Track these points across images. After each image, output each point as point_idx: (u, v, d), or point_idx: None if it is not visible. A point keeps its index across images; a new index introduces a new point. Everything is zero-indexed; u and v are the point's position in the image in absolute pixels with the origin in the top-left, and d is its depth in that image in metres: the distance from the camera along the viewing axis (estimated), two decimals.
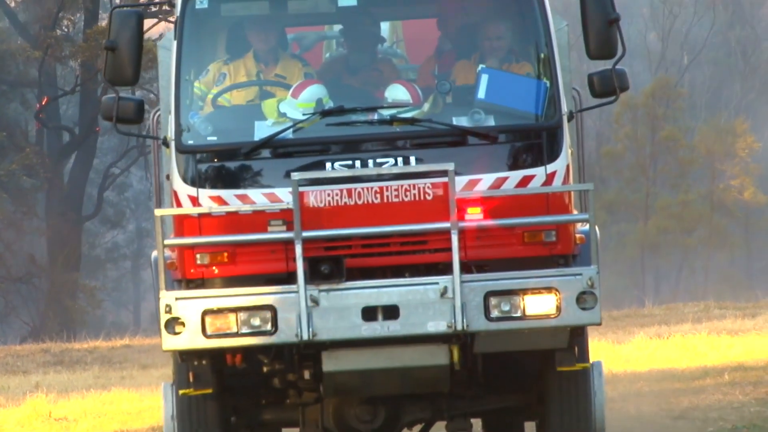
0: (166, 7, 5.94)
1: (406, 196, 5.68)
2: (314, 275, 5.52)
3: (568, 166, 5.91)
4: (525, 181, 5.75)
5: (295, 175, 5.47)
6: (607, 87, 5.88)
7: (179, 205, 5.81)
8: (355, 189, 5.67)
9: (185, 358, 5.83)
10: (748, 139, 52.29)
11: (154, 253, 6.20)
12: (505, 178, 5.76)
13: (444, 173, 5.54)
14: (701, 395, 13.01)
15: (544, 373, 6.20)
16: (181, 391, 5.98)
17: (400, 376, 5.82)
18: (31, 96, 45.10)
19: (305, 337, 5.43)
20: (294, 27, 6.83)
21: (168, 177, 6.21)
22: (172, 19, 6.37)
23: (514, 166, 5.82)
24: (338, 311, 5.50)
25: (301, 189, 5.49)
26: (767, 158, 53.99)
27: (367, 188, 5.67)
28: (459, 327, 5.44)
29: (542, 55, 6.01)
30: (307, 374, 5.94)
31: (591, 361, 6.35)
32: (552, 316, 5.51)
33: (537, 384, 6.41)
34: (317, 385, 5.97)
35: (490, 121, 5.92)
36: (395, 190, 5.68)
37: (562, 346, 5.81)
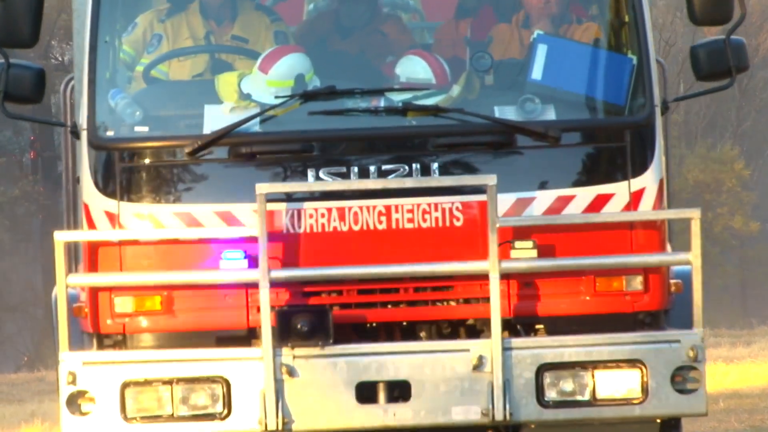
0: None
1: (424, 221, 5.00)
2: (287, 334, 4.82)
3: (661, 182, 5.21)
4: (598, 203, 5.08)
5: (262, 188, 4.80)
6: (719, 65, 5.20)
7: (92, 225, 5.11)
8: (350, 208, 4.98)
9: None
10: (736, 166, 56.11)
11: (55, 292, 5.52)
12: (570, 198, 5.07)
13: (481, 190, 4.87)
14: (696, 423, 13.01)
15: None
16: None
17: None
18: (24, 125, 48.39)
19: (272, 425, 4.77)
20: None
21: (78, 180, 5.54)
22: None
23: (583, 180, 5.15)
24: (322, 388, 4.84)
25: (270, 207, 4.85)
26: (760, 187, 58.57)
27: (369, 207, 4.99)
28: (499, 416, 4.77)
29: (626, 17, 5.24)
30: None
31: None
32: (636, 402, 4.87)
33: None
34: None
35: (549, 114, 5.22)
36: (409, 211, 4.99)
37: None
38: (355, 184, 4.95)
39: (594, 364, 4.83)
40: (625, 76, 5.16)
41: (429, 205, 4.96)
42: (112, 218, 5.02)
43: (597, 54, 5.30)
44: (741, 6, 5.13)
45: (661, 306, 5.18)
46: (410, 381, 4.78)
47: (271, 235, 4.80)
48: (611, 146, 5.16)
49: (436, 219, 4.98)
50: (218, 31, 5.54)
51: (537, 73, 5.14)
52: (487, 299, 4.85)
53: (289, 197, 4.92)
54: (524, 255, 4.93)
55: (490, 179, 4.74)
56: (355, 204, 4.95)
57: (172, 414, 4.80)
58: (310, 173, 4.97)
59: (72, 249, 5.82)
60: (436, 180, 4.98)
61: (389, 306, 5.09)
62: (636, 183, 5.06)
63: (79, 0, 6.11)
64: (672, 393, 4.80)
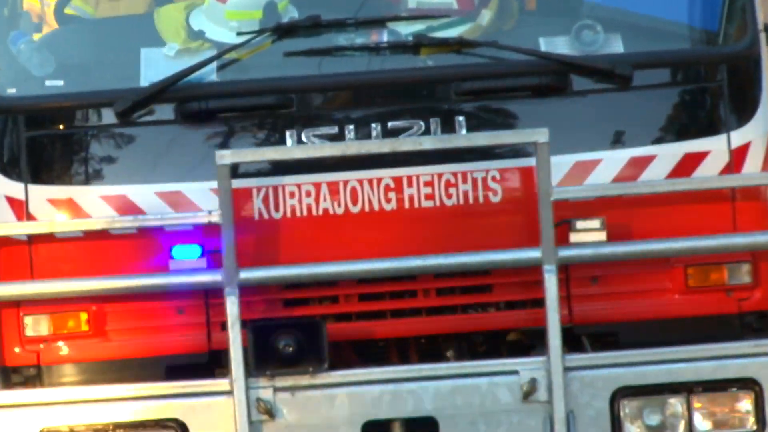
0: None
1: (449, 196, 4.47)
2: (265, 358, 4.26)
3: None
4: (687, 165, 4.54)
5: (224, 156, 4.23)
6: None
7: None
8: (346, 182, 4.47)
9: None
10: None
11: None
12: (648, 160, 4.52)
13: (528, 151, 4.39)
14: None
15: None
16: None
17: None
18: None
19: None
20: None
21: None
22: None
23: (665, 135, 4.61)
24: (315, 431, 4.32)
25: (236, 184, 4.34)
26: None
27: (371, 180, 4.48)
28: None
29: None
30: None
31: None
32: None
33: None
34: None
35: (616, 46, 4.69)
36: (426, 184, 4.48)
37: None
38: (353, 147, 4.40)
39: (690, 387, 4.32)
40: None
41: (455, 174, 4.51)
42: (18, 206, 4.50)
43: None
44: None
45: None
46: (437, 417, 4.29)
47: (238, 222, 4.25)
48: (702, 87, 4.73)
49: (465, 193, 4.51)
50: None
51: None
52: (538, 302, 4.36)
53: (261, 170, 4.40)
54: (589, 238, 4.33)
55: (541, 135, 4.15)
56: (352, 177, 4.51)
57: None
58: (290, 136, 4.41)
59: None
60: (465, 138, 4.43)
61: (404, 316, 4.56)
62: (737, 137, 4.59)
63: None
64: None
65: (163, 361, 4.53)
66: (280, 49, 4.62)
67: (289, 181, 4.48)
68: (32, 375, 4.57)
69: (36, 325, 4.51)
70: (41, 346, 4.55)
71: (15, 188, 4.50)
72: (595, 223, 4.40)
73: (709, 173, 4.58)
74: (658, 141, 4.62)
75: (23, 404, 4.32)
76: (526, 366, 4.30)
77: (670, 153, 4.57)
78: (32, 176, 4.53)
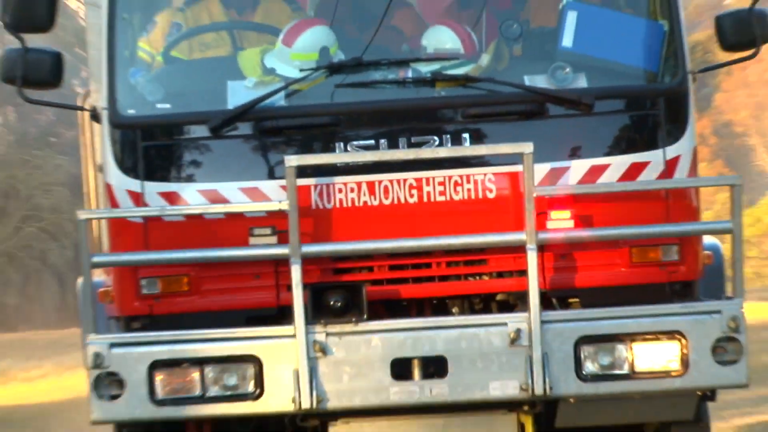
0: None
1: (457, 193, 4.64)
2: (320, 311, 4.46)
3: (694, 149, 4.86)
4: (634, 172, 4.70)
5: (292, 161, 4.41)
6: (744, 35, 4.86)
7: (115, 204, 4.73)
8: (381, 182, 4.63)
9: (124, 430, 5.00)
10: None
11: (81, 278, 5.41)
12: (605, 167, 4.69)
13: (516, 160, 4.52)
14: None
15: None
16: None
17: None
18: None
19: (306, 404, 4.37)
20: None
21: (101, 169, 5.20)
22: None
23: (617, 148, 4.77)
24: (356, 366, 4.46)
25: (300, 182, 4.48)
26: None
27: (399, 181, 4.63)
28: (539, 390, 4.38)
29: None
30: None
31: None
32: (676, 375, 4.48)
33: None
34: None
35: (581, 82, 4.85)
36: (440, 183, 4.64)
37: (687, 417, 4.91)
38: (387, 155, 4.61)
39: (632, 337, 4.46)
40: (656, 43, 4.85)
41: (461, 176, 4.63)
42: (136, 198, 4.68)
43: (628, 20, 4.93)
44: None
45: (696, 276, 4.86)
46: (446, 356, 4.42)
47: (300, 210, 4.41)
48: (645, 113, 4.84)
49: (469, 191, 4.64)
50: (239, 19, 5.23)
51: (568, 40, 4.78)
52: (522, 272, 4.49)
53: (318, 171, 4.57)
54: (561, 225, 4.56)
55: (527, 147, 4.36)
56: (385, 177, 4.62)
57: (203, 395, 4.44)
58: (338, 147, 4.62)
59: (99, 239, 5.49)
60: (470, 149, 4.67)
61: (423, 282, 4.75)
62: (671, 151, 4.72)
63: (93, 13, 5.76)
64: (713, 365, 4.44)
65: (243, 313, 4.64)
66: (331, 82, 4.74)
67: (338, 180, 4.59)
68: (146, 323, 4.71)
69: (149, 286, 4.63)
70: (153, 302, 4.69)
71: (133, 184, 4.63)
72: (566, 214, 4.57)
73: (649, 178, 4.69)
74: (612, 153, 4.72)
75: (140, 342, 4.49)
76: (513, 320, 4.42)
77: (621, 162, 4.68)
78: (146, 175, 4.64)
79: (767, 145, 51.77)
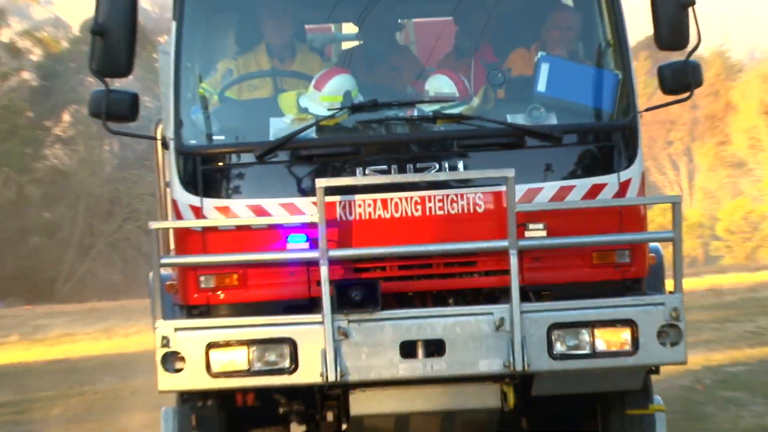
0: None
1: (453, 208, 4.76)
2: (343, 302, 4.56)
3: (642, 174, 4.97)
4: (594, 191, 4.83)
5: (321, 182, 4.53)
6: (681, 82, 4.97)
7: (180, 217, 4.87)
8: (392, 199, 4.73)
9: (187, 399, 5.04)
10: None
11: (152, 274, 5.50)
12: (571, 188, 4.82)
13: (500, 181, 4.60)
14: None
15: (608, 416, 5.32)
16: None
17: (442, 421, 4.98)
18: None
19: (332, 378, 4.49)
20: (313, 18, 5.85)
21: (168, 185, 5.44)
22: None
23: (580, 173, 4.89)
24: (372, 347, 4.56)
25: (327, 199, 4.57)
26: None
27: (406, 198, 4.74)
28: (519, 367, 4.49)
29: (613, 41, 5.02)
30: (330, 416, 5.09)
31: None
32: (628, 354, 4.58)
33: (588, 423, 5.57)
34: (341, 427, 5.16)
35: (552, 119, 4.97)
36: (440, 200, 4.75)
37: (636, 387, 4.98)
38: (398, 178, 4.73)
39: (593, 324, 4.58)
40: (613, 89, 4.96)
41: (456, 195, 4.73)
42: (197, 211, 4.81)
43: (590, 71, 5.10)
44: (697, 35, 4.94)
45: (643, 274, 4.98)
46: (444, 339, 4.53)
47: (327, 221, 4.58)
48: (603, 145, 4.96)
49: (463, 206, 4.75)
50: (280, 67, 5.33)
51: (542, 86, 4.93)
52: (505, 271, 4.59)
53: (341, 190, 4.68)
54: (536, 234, 4.72)
55: (509, 172, 4.51)
56: (395, 195, 4.72)
57: (248, 369, 4.55)
58: (358, 171, 4.77)
59: (165, 241, 5.64)
60: (464, 174, 4.78)
61: (425, 279, 4.84)
62: (624, 175, 4.85)
63: (164, 59, 5.91)
64: (658, 347, 4.56)
65: (281, 303, 4.76)
66: (353, 119, 4.89)
67: (358, 197, 4.68)
68: (204, 311, 4.83)
69: (206, 281, 4.76)
70: (209, 293, 4.80)
71: (194, 200, 4.76)
72: (540, 225, 4.68)
73: (606, 197, 4.81)
74: (576, 177, 4.84)
75: (198, 327, 4.63)
76: (497, 310, 4.53)
77: (584, 184, 4.80)
78: (204, 192, 4.76)
79: (659, 167, 51.72)
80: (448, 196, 4.71)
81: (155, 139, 5.84)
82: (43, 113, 41.75)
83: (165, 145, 5.14)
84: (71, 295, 36.69)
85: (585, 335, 4.56)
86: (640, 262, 4.88)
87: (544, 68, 4.91)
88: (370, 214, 4.73)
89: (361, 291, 4.60)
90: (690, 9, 4.82)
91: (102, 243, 42.42)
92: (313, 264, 4.62)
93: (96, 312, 26.68)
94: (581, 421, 5.63)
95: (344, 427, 5.12)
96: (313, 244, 4.61)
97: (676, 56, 5.03)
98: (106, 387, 12.43)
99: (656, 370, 4.99)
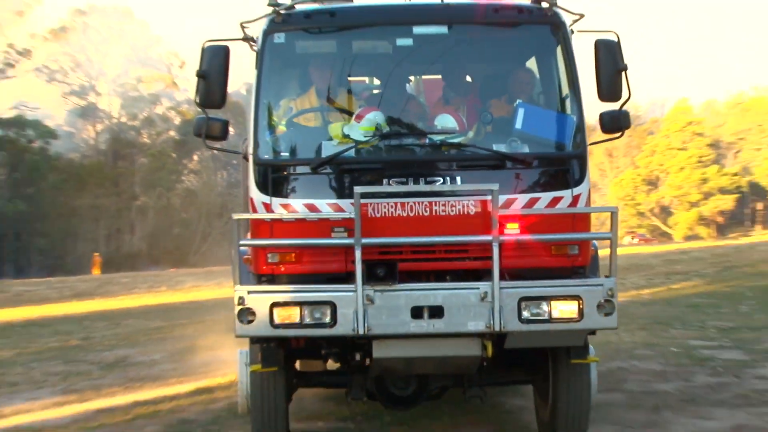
0: (251, 43, 5.36)
1: (452, 210, 4.89)
2: (370, 277, 4.72)
3: (589, 190, 5.11)
4: (554, 202, 4.97)
5: (358, 189, 4.67)
6: (615, 125, 5.25)
7: (254, 211, 5.00)
8: (408, 203, 4.86)
9: (255, 341, 5.14)
10: None
11: (233, 251, 5.67)
12: (538, 199, 4.97)
13: (487, 192, 4.78)
14: None
15: (557, 363, 5.51)
16: (251, 368, 5.28)
17: (438, 362, 5.10)
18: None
19: (361, 331, 4.66)
20: (356, 71, 5.83)
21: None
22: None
23: (545, 188, 5.02)
24: (390, 309, 4.69)
25: (362, 201, 4.72)
26: None
27: (419, 203, 4.87)
28: (497, 327, 4.66)
29: (570, 94, 5.23)
30: (358, 356, 5.26)
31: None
32: (575, 320, 4.72)
33: (543, 366, 5.64)
34: (366, 363, 5.26)
35: (526, 149, 5.11)
36: (443, 205, 4.88)
37: (579, 344, 5.11)
38: (413, 188, 4.91)
39: (551, 298, 4.72)
40: (569, 128, 5.16)
41: (455, 201, 4.89)
42: (267, 206, 5.01)
43: (553, 114, 5.27)
44: (628, 91, 5.16)
45: (587, 263, 5.15)
46: (443, 306, 4.67)
47: (362, 218, 4.78)
48: (561, 168, 5.12)
49: (460, 209, 4.89)
50: (328, 105, 5.49)
51: (519, 124, 5.14)
52: (489, 257, 4.72)
53: (372, 195, 4.87)
54: (512, 232, 4.94)
55: (494, 186, 4.74)
56: (410, 200, 4.89)
57: (300, 323, 4.74)
58: (385, 181, 4.96)
59: (246, 228, 5.72)
60: (461, 186, 4.96)
61: (430, 261, 4.99)
62: (576, 190, 5.03)
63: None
64: (597, 316, 4.74)
65: (325, 275, 4.92)
66: (382, 144, 5.08)
67: (383, 201, 4.83)
68: (269, 278, 5.00)
69: (272, 257, 4.95)
70: (273, 266, 4.98)
71: (265, 198, 4.95)
72: (515, 225, 4.88)
73: (563, 206, 4.99)
74: (542, 191, 4.99)
75: (265, 291, 4.83)
76: (482, 286, 4.70)
77: (547, 196, 4.96)
78: (273, 193, 4.95)
79: None
80: (448, 202, 4.84)
81: (240, 153, 5.96)
82: (181, 155, 54.49)
83: (246, 158, 5.27)
84: (198, 262, 44.56)
85: (545, 306, 4.70)
86: (584, 254, 5.03)
87: (521, 112, 5.09)
88: (391, 213, 4.85)
89: (383, 269, 4.78)
90: (623, 73, 5.11)
91: (216, 232, 52.14)
92: (350, 248, 4.74)
93: (212, 273, 29.53)
94: (537, 367, 5.70)
95: (367, 363, 5.24)
96: (351, 234, 4.76)
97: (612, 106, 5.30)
98: (219, 317, 13.39)
99: (593, 332, 5.09)
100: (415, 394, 5.65)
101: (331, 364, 6.05)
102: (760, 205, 69.18)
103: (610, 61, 4.99)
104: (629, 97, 5.17)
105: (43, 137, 42.12)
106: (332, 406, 7.05)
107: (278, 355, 5.19)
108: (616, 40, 5.00)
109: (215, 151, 7.46)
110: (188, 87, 48.15)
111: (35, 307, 19.06)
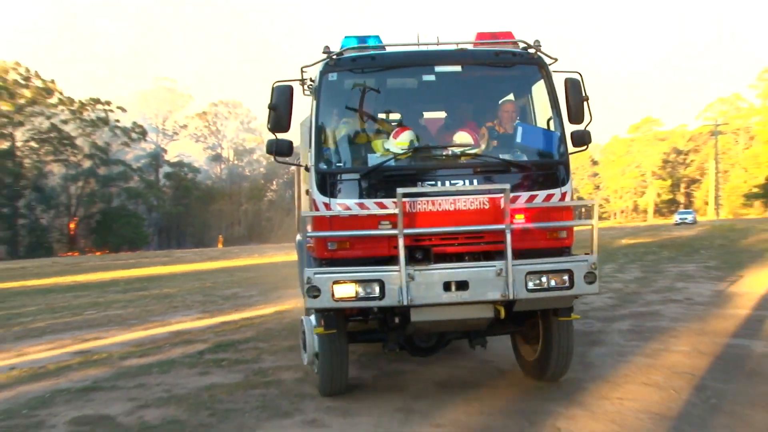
0: (309, 82, 5.26)
1: (471, 205, 4.71)
2: (411, 259, 4.58)
3: (573, 188, 5.00)
4: (548, 198, 4.81)
5: (400, 191, 4.48)
6: (582, 141, 5.10)
7: (317, 208, 4.75)
8: (437, 200, 4.68)
9: (319, 311, 4.92)
10: None
11: (298, 237, 5.62)
12: (536, 195, 4.80)
13: (501, 191, 4.64)
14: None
15: (546, 320, 5.33)
16: (315, 330, 5.11)
17: (459, 323, 4.91)
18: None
19: (405, 302, 4.46)
20: (391, 100, 5.54)
21: (307, 192, 5.22)
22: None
23: (541, 187, 4.84)
24: (427, 285, 4.50)
25: (403, 200, 4.53)
26: None
27: (445, 200, 4.69)
28: (511, 296, 4.50)
29: (554, 115, 5.11)
30: (397, 320, 4.99)
31: None
32: (567, 288, 4.59)
33: (530, 320, 5.55)
34: (401, 324, 5.02)
35: (525, 157, 4.97)
36: (464, 201, 4.70)
37: (568, 305, 5.03)
38: (441, 188, 4.71)
39: (550, 272, 4.56)
40: (556, 141, 5.02)
41: (474, 198, 4.73)
42: (327, 206, 4.76)
43: (544, 131, 5.12)
44: (590, 116, 5.08)
45: (572, 244, 5.00)
46: (468, 280, 4.49)
47: (404, 213, 4.61)
48: (552, 172, 4.95)
49: (478, 205, 4.71)
50: (369, 127, 5.28)
51: (519, 139, 5.00)
52: (500, 241, 4.61)
53: (410, 195, 4.66)
54: (519, 221, 4.78)
55: (507, 186, 4.59)
56: (439, 198, 4.71)
57: (356, 296, 4.53)
58: (419, 183, 4.76)
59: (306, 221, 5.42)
60: (478, 187, 4.76)
61: (454, 245, 4.78)
62: (563, 189, 4.89)
63: (302, 129, 6.09)
64: (584, 284, 4.61)
65: (375, 258, 4.70)
66: (416, 155, 4.87)
67: (420, 199, 4.66)
68: (330, 262, 4.75)
69: (332, 245, 4.72)
70: (333, 252, 4.76)
71: (326, 199, 4.73)
72: (521, 216, 4.71)
73: (554, 201, 4.83)
74: (539, 189, 4.82)
75: (327, 272, 4.57)
76: (498, 264, 4.54)
77: (543, 194, 4.80)
78: (331, 195, 4.72)
79: None
80: (469, 198, 4.67)
81: (301, 165, 5.68)
82: (266, 181, 70.85)
83: (307, 169, 5.01)
84: (275, 241, 52.50)
85: (544, 278, 4.54)
86: (570, 237, 4.85)
87: (519, 129, 4.95)
88: (426, 208, 4.65)
89: (421, 253, 4.63)
90: (586, 102, 5.06)
91: (285, 224, 57.39)
92: (393, 237, 4.55)
93: (283, 247, 36.08)
94: (524, 321, 5.55)
95: (404, 325, 4.97)
96: (394, 226, 4.57)
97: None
98: (286, 272, 17.55)
99: (578, 297, 4.95)
100: (435, 345, 5.52)
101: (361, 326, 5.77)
102: None
103: (577, 93, 4.89)
104: (591, 120, 5.09)
105: (192, 172, 62.95)
106: (370, 359, 6.93)
107: (337, 320, 4.99)
108: (580, 78, 4.93)
109: (289, 170, 7.32)
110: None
111: (188, 265, 25.80)
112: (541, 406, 4.85)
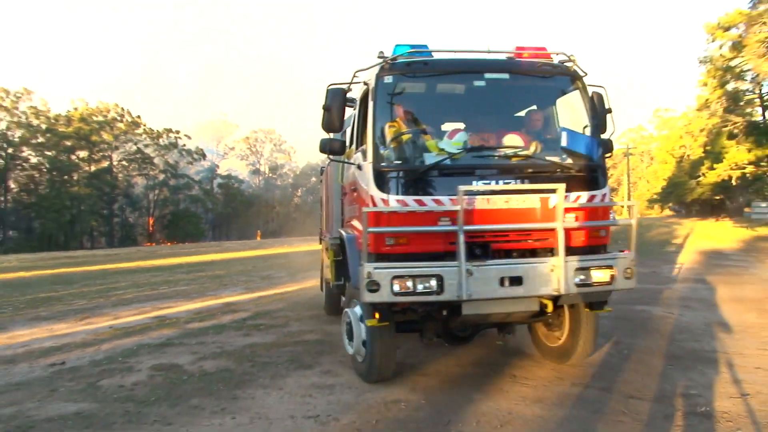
0: (363, 85, 4.84)
1: (525, 203, 4.31)
2: (470, 255, 4.14)
3: (609, 189, 4.68)
4: (591, 198, 4.44)
5: (461, 188, 4.07)
6: (607, 148, 4.85)
7: (375, 204, 4.29)
8: (491, 198, 4.28)
9: (378, 305, 4.37)
10: None
11: (343, 233, 5.07)
12: (580, 196, 4.43)
13: (553, 191, 4.28)
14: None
15: (575, 311, 5.01)
16: (368, 322, 4.57)
17: (506, 316, 4.53)
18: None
19: (464, 297, 4.02)
20: (443, 103, 5.15)
21: (353, 190, 4.84)
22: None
23: (584, 188, 4.48)
24: (484, 279, 4.08)
25: (464, 196, 4.13)
26: None
27: (500, 198, 4.31)
28: (562, 291, 4.12)
29: (596, 123, 4.82)
30: (444, 312, 4.52)
31: None
32: (608, 283, 4.26)
33: (559, 309, 5.09)
34: (449, 317, 4.49)
35: (569, 161, 4.60)
36: (518, 200, 4.31)
37: (604, 299, 4.62)
38: (496, 187, 4.29)
39: (593, 267, 4.26)
40: (597, 146, 4.69)
41: (527, 197, 4.35)
42: (385, 202, 4.27)
43: (586, 137, 4.76)
44: (613, 126, 4.85)
45: (608, 242, 4.68)
46: (522, 276, 4.10)
47: (464, 210, 4.18)
48: (594, 174, 4.62)
49: (530, 203, 4.35)
50: (423, 126, 4.79)
51: (564, 143, 4.61)
52: (548, 238, 4.28)
53: (468, 192, 4.24)
54: (570, 220, 4.41)
55: (561, 187, 4.20)
56: (494, 196, 4.30)
57: (414, 291, 4.08)
58: (474, 183, 4.33)
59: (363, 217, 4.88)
60: (530, 186, 4.36)
61: (511, 242, 4.39)
62: (603, 190, 4.55)
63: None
64: (624, 279, 4.29)
65: (434, 254, 4.22)
66: (470, 155, 4.43)
67: (477, 197, 4.24)
68: (389, 257, 4.25)
69: (389, 240, 4.22)
70: (391, 248, 4.14)
71: (384, 196, 4.25)
72: (572, 215, 4.34)
73: (596, 202, 4.47)
74: (583, 189, 4.44)
75: (387, 267, 4.09)
76: (550, 260, 4.15)
77: (587, 194, 4.43)
78: (389, 191, 4.24)
79: None
80: (521, 197, 4.29)
81: (352, 164, 5.11)
82: (294, 188, 71.31)
83: (359, 168, 4.57)
84: (299, 234, 52.79)
85: (590, 273, 4.19)
86: (608, 236, 4.53)
87: (564, 135, 4.55)
88: (482, 205, 4.25)
89: (479, 248, 4.19)
90: (610, 113, 4.78)
91: (308, 222, 56.51)
92: (452, 233, 4.11)
93: (307, 239, 35.70)
94: (556, 312, 5.11)
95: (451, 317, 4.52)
96: (453, 222, 4.13)
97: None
98: (309, 258, 17.84)
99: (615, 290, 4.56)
100: (471, 335, 5.23)
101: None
102: None
103: (601, 105, 4.64)
104: (614, 131, 4.85)
105: (237, 183, 67.04)
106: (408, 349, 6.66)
107: (390, 312, 4.51)
108: (604, 91, 4.71)
109: (330, 162, 6.65)
110: (297, 159, 69.60)
111: (234, 253, 26.24)
112: (501, 359, 5.25)
